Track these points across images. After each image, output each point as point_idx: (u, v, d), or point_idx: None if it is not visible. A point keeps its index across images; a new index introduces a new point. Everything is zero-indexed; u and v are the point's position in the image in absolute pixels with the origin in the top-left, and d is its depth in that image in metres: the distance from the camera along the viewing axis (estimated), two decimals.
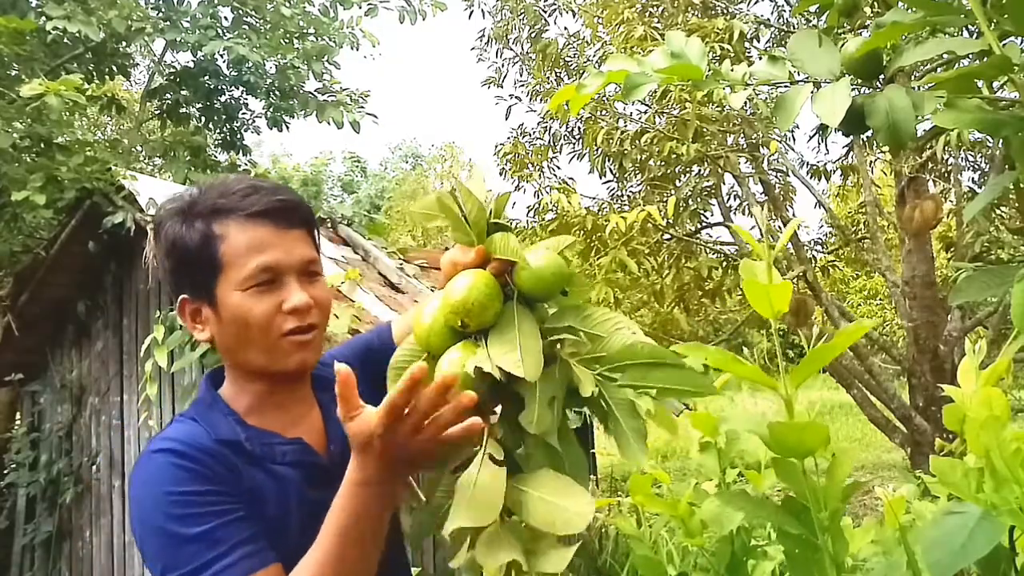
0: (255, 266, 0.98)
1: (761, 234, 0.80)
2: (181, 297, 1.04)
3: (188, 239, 1.00)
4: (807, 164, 7.27)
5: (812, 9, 0.93)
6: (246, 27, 6.88)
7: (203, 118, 7.50)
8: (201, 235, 1.00)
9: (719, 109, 5.87)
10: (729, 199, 7.01)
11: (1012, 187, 0.77)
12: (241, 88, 7.40)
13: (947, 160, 5.94)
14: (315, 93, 7.22)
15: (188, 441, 0.96)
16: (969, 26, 0.73)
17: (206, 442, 0.97)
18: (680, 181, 6.70)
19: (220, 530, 0.89)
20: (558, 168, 7.75)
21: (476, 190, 0.88)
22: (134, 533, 0.94)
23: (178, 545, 0.88)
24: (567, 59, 7.25)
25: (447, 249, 0.97)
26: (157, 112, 7.64)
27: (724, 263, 6.59)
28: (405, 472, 0.87)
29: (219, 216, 1.00)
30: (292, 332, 1.00)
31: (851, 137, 4.83)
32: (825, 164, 7.29)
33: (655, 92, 5.45)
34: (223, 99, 7.51)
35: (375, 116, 7.14)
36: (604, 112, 6.46)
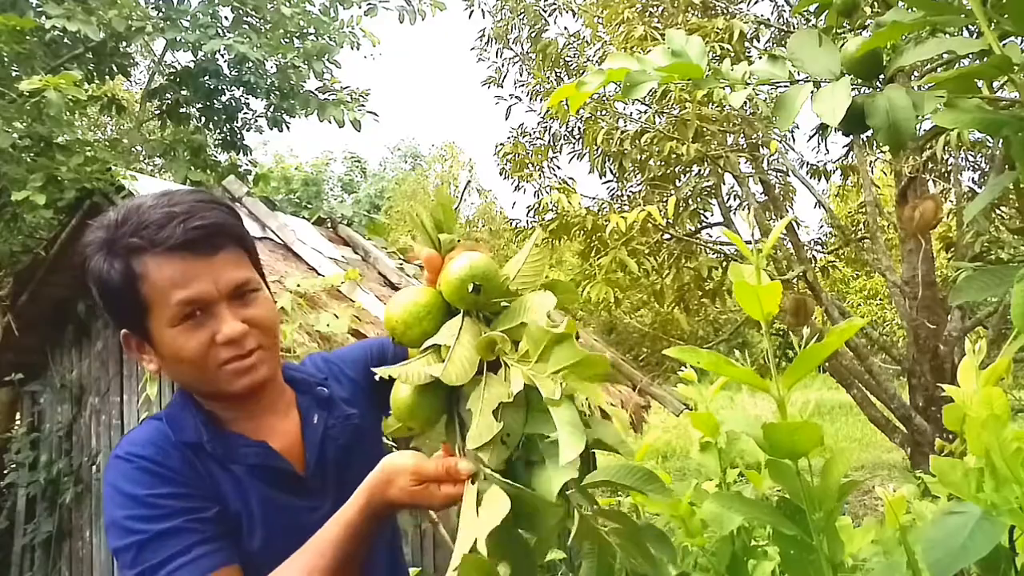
0: (178, 302, 0.95)
1: (752, 237, 0.80)
2: (123, 332, 1.02)
3: (111, 278, 0.97)
4: (807, 164, 7.27)
5: (811, 9, 0.93)
6: (246, 27, 6.87)
7: (203, 118, 7.49)
8: (121, 275, 0.96)
9: (719, 109, 5.87)
10: (729, 199, 7.01)
11: (1012, 187, 0.77)
12: (241, 88, 7.40)
13: (947, 160, 5.94)
14: (316, 92, 7.22)
15: (150, 444, 0.98)
16: (969, 26, 0.73)
17: (166, 444, 0.99)
18: (680, 181, 6.70)
19: (180, 529, 0.92)
20: (558, 168, 7.76)
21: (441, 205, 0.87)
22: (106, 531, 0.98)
23: (140, 544, 0.91)
24: (567, 59, 7.25)
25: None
26: (157, 112, 7.64)
27: (724, 263, 6.58)
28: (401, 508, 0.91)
29: (136, 254, 0.96)
30: (229, 361, 0.98)
31: (851, 137, 4.83)
32: (825, 164, 7.30)
33: (655, 92, 5.45)
34: (223, 99, 7.50)
35: (376, 114, 7.14)
36: (604, 112, 6.46)
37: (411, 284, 4.88)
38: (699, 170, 6.64)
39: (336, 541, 0.89)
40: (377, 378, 0.85)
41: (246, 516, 0.99)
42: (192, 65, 7.25)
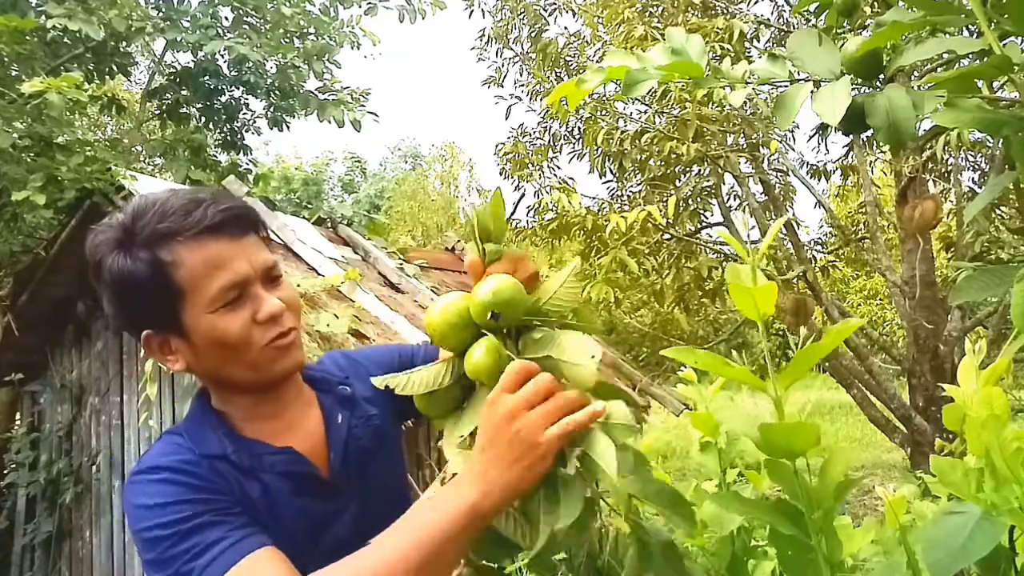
0: (221, 286, 0.93)
1: (750, 238, 0.80)
2: (145, 333, 0.97)
3: (137, 272, 0.92)
4: (807, 164, 7.27)
5: (811, 9, 0.93)
6: (246, 27, 6.88)
7: (203, 118, 7.50)
8: (150, 265, 0.92)
9: (719, 109, 5.87)
10: (729, 199, 7.01)
11: (1012, 187, 0.77)
12: (241, 88, 7.41)
13: (947, 160, 5.94)
14: (316, 92, 7.22)
15: (175, 459, 0.95)
16: (969, 26, 0.73)
17: (189, 457, 0.95)
18: (680, 181, 6.70)
19: (215, 522, 0.88)
20: (558, 168, 7.76)
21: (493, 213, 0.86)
22: (139, 553, 0.93)
23: (174, 541, 0.87)
24: (567, 59, 7.25)
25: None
26: (157, 112, 7.65)
27: (724, 263, 6.58)
28: (515, 482, 0.75)
29: (165, 241, 0.92)
30: (273, 340, 0.97)
31: (851, 137, 4.83)
32: (825, 164, 7.30)
33: (655, 92, 5.45)
34: (223, 99, 7.51)
35: (376, 114, 7.14)
36: (604, 112, 6.46)
37: (411, 284, 4.88)
38: (699, 170, 6.64)
39: (435, 535, 0.76)
40: (384, 386, 0.85)
41: (273, 522, 0.96)
42: (192, 65, 7.26)
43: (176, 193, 0.97)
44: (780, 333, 6.60)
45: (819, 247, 8.00)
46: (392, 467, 1.16)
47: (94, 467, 4.52)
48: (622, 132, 6.23)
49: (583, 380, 0.77)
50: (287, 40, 7.02)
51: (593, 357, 0.76)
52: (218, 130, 7.60)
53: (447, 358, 0.87)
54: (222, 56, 6.99)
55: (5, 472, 4.87)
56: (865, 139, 5.65)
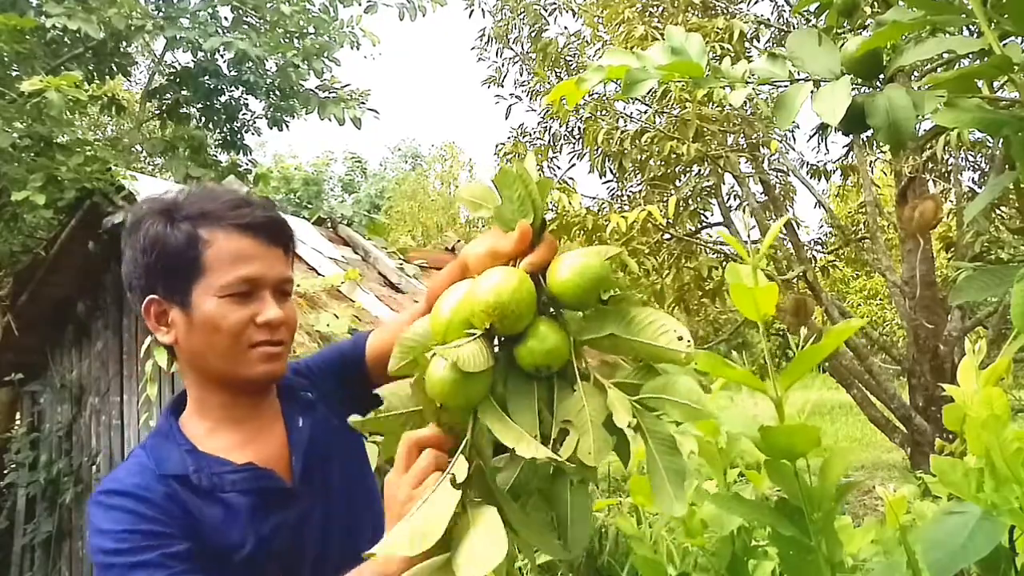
0: (237, 276, 1.00)
1: (750, 238, 0.80)
2: (150, 297, 1.03)
3: (172, 239, 1.00)
4: (807, 164, 7.26)
5: (811, 9, 0.93)
6: (246, 26, 6.87)
7: (203, 118, 7.50)
8: (187, 236, 1.00)
9: (719, 109, 5.87)
10: (729, 199, 7.01)
11: (1012, 187, 0.77)
12: (241, 88, 7.40)
13: (947, 160, 5.93)
14: (316, 91, 7.22)
15: (131, 478, 0.98)
16: (969, 26, 0.72)
17: (151, 481, 0.98)
18: (680, 181, 6.70)
19: (159, 563, 0.91)
20: (558, 168, 7.76)
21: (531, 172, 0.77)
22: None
23: (119, 575, 0.91)
24: (567, 59, 7.25)
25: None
26: (157, 112, 7.65)
27: (724, 263, 6.58)
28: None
29: (207, 221, 1.01)
30: (261, 344, 1.01)
31: (851, 137, 4.83)
32: (825, 164, 7.29)
33: (655, 91, 5.45)
34: (223, 99, 7.51)
35: (376, 112, 7.14)
36: (604, 112, 6.46)
37: (411, 284, 4.88)
38: (699, 170, 6.63)
39: None
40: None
41: (240, 542, 0.98)
42: (192, 65, 7.26)
43: (227, 189, 1.07)
44: (780, 333, 6.59)
45: (819, 247, 7.99)
46: (355, 466, 1.17)
47: (94, 467, 4.52)
48: (622, 132, 6.23)
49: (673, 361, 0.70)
50: (287, 39, 7.02)
51: (681, 339, 0.69)
52: (218, 130, 7.60)
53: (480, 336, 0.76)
54: (222, 56, 6.99)
55: (5, 472, 4.87)
56: (865, 139, 5.65)
